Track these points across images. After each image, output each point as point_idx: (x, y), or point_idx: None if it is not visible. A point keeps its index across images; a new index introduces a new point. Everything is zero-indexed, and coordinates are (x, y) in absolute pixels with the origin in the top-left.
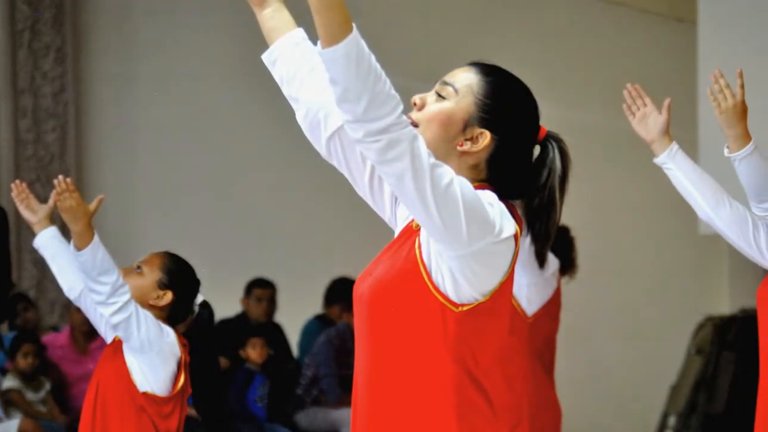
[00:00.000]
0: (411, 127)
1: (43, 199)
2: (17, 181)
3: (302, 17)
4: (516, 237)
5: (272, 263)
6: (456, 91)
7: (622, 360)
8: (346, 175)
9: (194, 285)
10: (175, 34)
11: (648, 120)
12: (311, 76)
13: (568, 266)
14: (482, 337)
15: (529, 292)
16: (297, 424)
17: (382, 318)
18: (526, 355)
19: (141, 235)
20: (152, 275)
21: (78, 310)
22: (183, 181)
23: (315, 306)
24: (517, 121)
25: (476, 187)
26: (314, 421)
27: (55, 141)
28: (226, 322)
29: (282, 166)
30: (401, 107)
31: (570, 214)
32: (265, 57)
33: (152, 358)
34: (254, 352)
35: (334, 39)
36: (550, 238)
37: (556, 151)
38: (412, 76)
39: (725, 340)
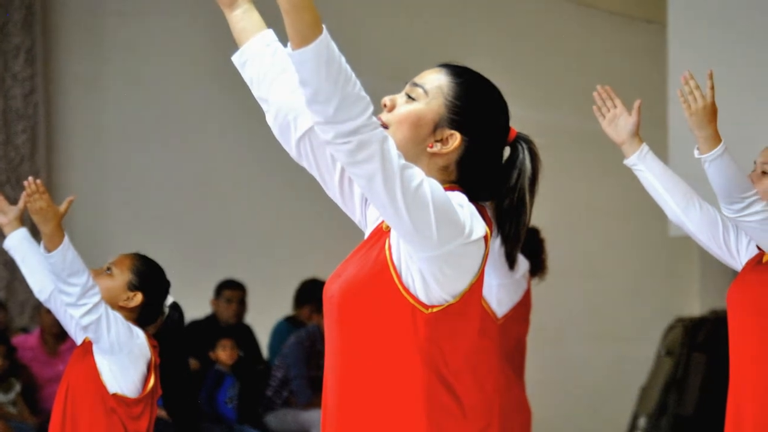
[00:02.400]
0: (381, 129)
1: (13, 201)
2: None
3: (272, 19)
4: (486, 238)
5: (242, 265)
6: (426, 92)
7: (592, 361)
8: (316, 177)
9: (164, 286)
10: (145, 35)
11: (618, 121)
12: (281, 77)
13: (538, 268)
14: (452, 339)
15: (499, 293)
16: (267, 426)
17: (352, 319)
18: (497, 357)
19: (111, 236)
20: (122, 277)
21: (48, 311)
22: (153, 183)
23: (285, 307)
24: (487, 122)
25: (446, 189)
26: (284, 423)
27: (25, 142)
28: (196, 324)
29: (252, 167)
30: (371, 109)
31: (540, 216)
32: (235, 58)
33: (122, 360)
34: (224, 354)
35: (304, 40)
36: (520, 240)
37: (526, 152)
38: (382, 78)
39: (695, 341)
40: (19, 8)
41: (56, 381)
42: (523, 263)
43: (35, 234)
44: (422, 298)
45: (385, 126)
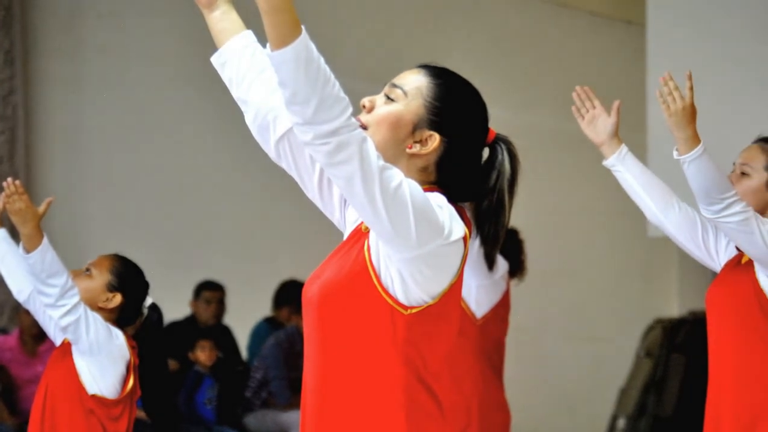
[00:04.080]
0: (360, 130)
1: None
2: None
3: (251, 20)
4: (465, 239)
5: (221, 265)
6: (405, 93)
7: (571, 362)
8: (295, 178)
9: (143, 287)
10: (124, 37)
11: (597, 122)
12: (260, 78)
13: (517, 268)
14: (431, 340)
15: (478, 294)
16: (246, 427)
17: (331, 320)
18: (476, 357)
19: (90, 237)
20: (101, 278)
21: (27, 312)
22: (132, 184)
23: (264, 308)
24: (466, 123)
25: (425, 190)
26: (263, 424)
27: (3, 144)
28: (175, 325)
29: (231, 168)
30: (350, 110)
31: (519, 217)
32: (214, 59)
33: (101, 361)
34: (203, 355)
35: (283, 41)
36: (499, 241)
37: (505, 153)
38: (361, 79)
39: (674, 342)
40: None
41: (35, 382)
42: (502, 264)
43: (14, 235)
44: (401, 299)
45: (364, 127)
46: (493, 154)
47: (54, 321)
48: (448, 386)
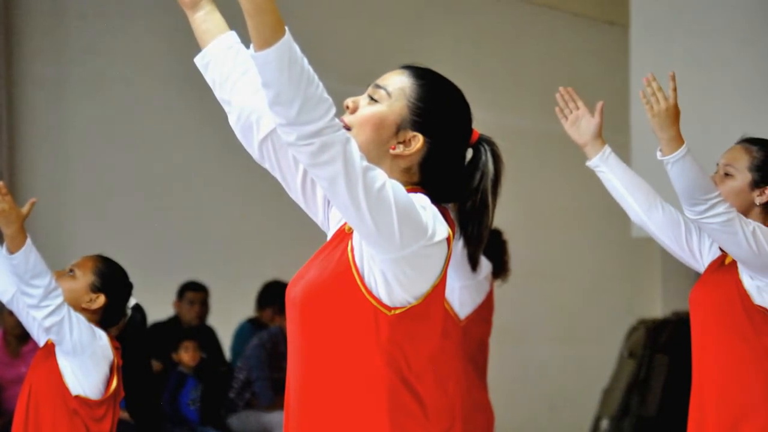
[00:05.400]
0: (343, 131)
1: None
2: None
3: (235, 20)
4: (449, 240)
5: (205, 266)
6: (389, 94)
7: (555, 363)
8: (279, 179)
9: (127, 288)
10: (107, 37)
11: (580, 123)
12: (244, 79)
13: (500, 269)
14: (415, 341)
15: (462, 295)
16: (229, 427)
17: (315, 321)
18: (459, 358)
19: (73, 238)
20: (85, 278)
21: (10, 313)
22: (115, 185)
23: (247, 309)
24: (450, 124)
25: (409, 191)
26: (247, 425)
27: None
28: (158, 325)
29: (215, 169)
30: (334, 110)
31: (502, 218)
32: (198, 60)
33: (85, 361)
34: (187, 356)
35: (266, 42)
36: (482, 242)
37: (489, 154)
38: (344, 80)
39: (658, 343)
40: None
41: (19, 382)
42: (485, 265)
43: None
44: (385, 299)
45: (347, 128)
46: (476, 154)
47: (37, 322)
48: (432, 387)
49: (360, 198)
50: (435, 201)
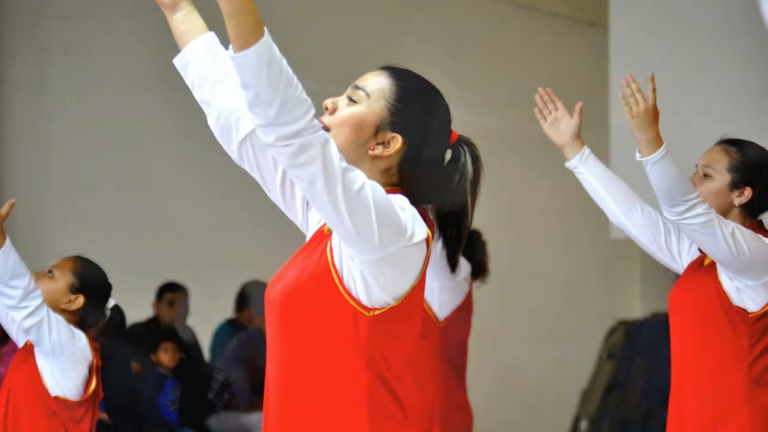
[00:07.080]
0: (323, 132)
1: None
2: None
3: (214, 21)
4: (428, 241)
5: (184, 267)
6: (368, 95)
7: (534, 364)
8: (258, 180)
9: (106, 289)
10: (86, 39)
11: (559, 124)
12: (223, 80)
13: (479, 270)
14: (394, 341)
15: (441, 296)
16: (209, 429)
17: (294, 322)
18: (438, 359)
19: (53, 239)
20: (64, 279)
21: None
22: (95, 186)
23: (226, 310)
24: (429, 125)
25: (388, 192)
26: (226, 426)
27: None
28: (137, 326)
29: (193, 169)
30: (313, 111)
31: (482, 218)
32: (177, 61)
33: (64, 362)
34: (166, 357)
35: (245, 43)
36: (461, 242)
37: (468, 155)
38: (323, 80)
39: (637, 344)
40: None
41: None
42: (464, 266)
43: None
44: (364, 300)
45: (326, 129)
46: (455, 155)
47: (16, 323)
48: (411, 388)
49: (339, 199)
50: (414, 202)
